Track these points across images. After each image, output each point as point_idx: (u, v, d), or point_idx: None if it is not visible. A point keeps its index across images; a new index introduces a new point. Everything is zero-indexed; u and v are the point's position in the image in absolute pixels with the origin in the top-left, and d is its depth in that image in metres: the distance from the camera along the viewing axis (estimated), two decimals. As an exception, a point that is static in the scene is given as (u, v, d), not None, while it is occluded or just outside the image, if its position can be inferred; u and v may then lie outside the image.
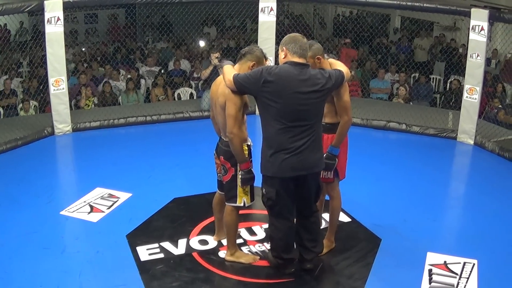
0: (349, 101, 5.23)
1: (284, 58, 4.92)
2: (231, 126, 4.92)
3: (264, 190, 5.09)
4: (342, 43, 14.86)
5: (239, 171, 5.18)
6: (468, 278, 5.41)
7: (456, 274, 5.48)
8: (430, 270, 5.52)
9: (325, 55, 5.33)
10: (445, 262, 5.66)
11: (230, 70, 4.98)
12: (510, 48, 11.61)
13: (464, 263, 5.64)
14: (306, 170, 4.97)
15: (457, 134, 9.39)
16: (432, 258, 5.72)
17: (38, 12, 8.87)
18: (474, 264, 5.62)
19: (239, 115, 4.95)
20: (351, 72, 5.75)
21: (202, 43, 15.33)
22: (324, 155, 5.18)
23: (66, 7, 8.97)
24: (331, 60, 5.34)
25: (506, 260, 5.78)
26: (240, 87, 4.85)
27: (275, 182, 4.99)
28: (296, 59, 4.84)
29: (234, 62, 5.21)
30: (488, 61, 12.21)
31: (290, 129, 4.82)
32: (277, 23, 10.18)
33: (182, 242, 5.91)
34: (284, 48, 4.91)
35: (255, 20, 10.32)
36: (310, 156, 4.93)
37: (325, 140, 5.22)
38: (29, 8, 8.62)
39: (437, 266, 5.60)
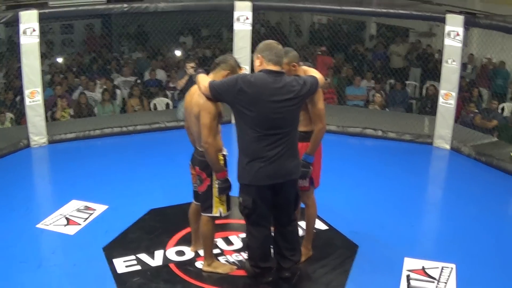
0: (324, 108, 5.24)
1: (259, 65, 4.90)
2: (206, 135, 4.89)
3: (240, 199, 5.06)
4: (318, 51, 14.87)
5: (216, 181, 5.16)
6: (446, 283, 5.43)
7: (434, 279, 5.50)
8: (408, 276, 5.54)
9: (300, 62, 5.33)
10: (423, 267, 5.68)
11: (205, 78, 4.97)
12: (486, 53, 11.70)
13: (442, 268, 5.66)
14: (283, 177, 4.96)
15: (433, 140, 9.43)
16: (410, 263, 5.74)
17: (13, 23, 8.76)
18: (452, 268, 5.65)
19: (214, 124, 4.93)
20: (326, 79, 5.75)
21: (178, 53, 15.30)
22: (299, 163, 5.17)
23: (42, 18, 8.86)
24: (305, 67, 5.35)
25: (484, 264, 5.82)
26: (215, 94, 4.82)
27: (251, 190, 4.97)
28: (271, 67, 4.83)
29: (209, 72, 5.19)
30: (464, 66, 12.30)
31: (265, 137, 4.81)
32: (253, 32, 10.16)
33: (158, 254, 5.87)
34: (259, 55, 4.89)
35: (231, 29, 10.30)
36: (286, 164, 4.92)
37: (300, 148, 5.19)
38: (4, 19, 8.52)
39: (415, 271, 5.61)
